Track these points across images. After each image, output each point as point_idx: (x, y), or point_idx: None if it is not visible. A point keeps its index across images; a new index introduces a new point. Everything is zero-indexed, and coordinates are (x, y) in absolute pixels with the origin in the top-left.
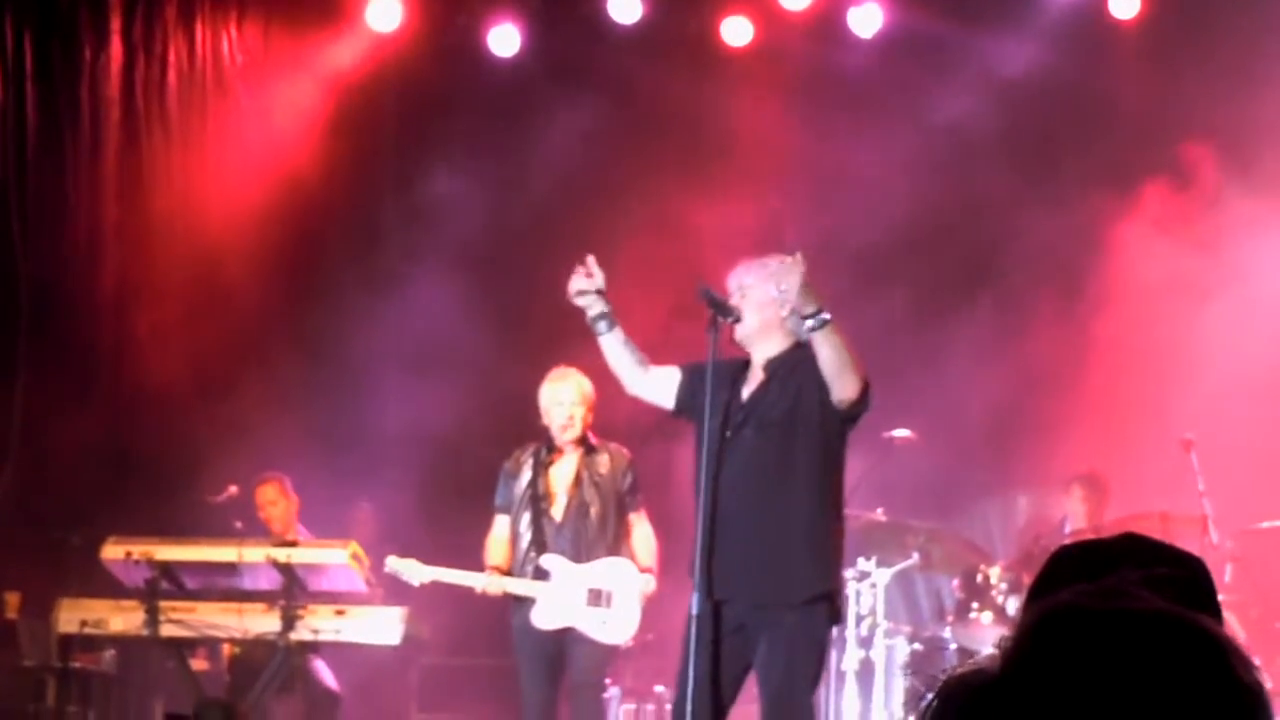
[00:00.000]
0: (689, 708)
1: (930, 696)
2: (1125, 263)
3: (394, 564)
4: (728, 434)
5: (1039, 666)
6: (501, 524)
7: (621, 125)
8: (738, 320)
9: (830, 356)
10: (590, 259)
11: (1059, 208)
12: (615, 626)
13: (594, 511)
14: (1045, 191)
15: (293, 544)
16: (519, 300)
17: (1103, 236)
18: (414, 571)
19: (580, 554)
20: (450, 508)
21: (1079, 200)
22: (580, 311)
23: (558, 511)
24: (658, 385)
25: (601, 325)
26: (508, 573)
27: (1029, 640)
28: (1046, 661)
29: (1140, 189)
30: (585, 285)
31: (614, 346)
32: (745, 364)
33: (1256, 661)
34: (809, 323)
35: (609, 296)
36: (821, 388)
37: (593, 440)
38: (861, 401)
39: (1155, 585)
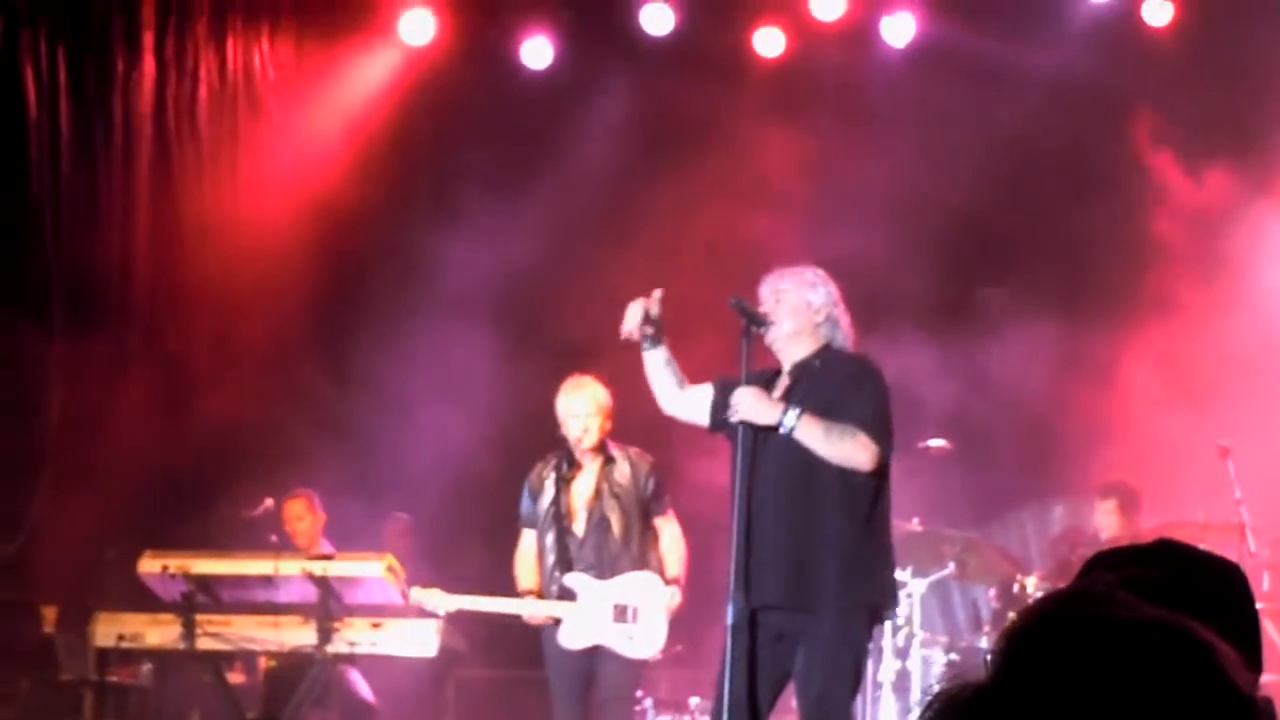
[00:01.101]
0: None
1: (920, 711)
2: (1159, 272)
3: (418, 595)
4: (761, 440)
5: (1021, 680)
6: (528, 539)
7: (654, 136)
8: (770, 328)
9: (821, 449)
10: (658, 293)
11: (1095, 216)
12: (642, 642)
13: (615, 525)
14: (1081, 200)
15: (329, 557)
16: (553, 315)
17: (1139, 244)
18: (438, 601)
19: (604, 569)
20: (482, 527)
21: (1115, 208)
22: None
23: (579, 528)
24: (693, 404)
25: (646, 342)
26: (540, 595)
27: (1010, 653)
28: (1030, 675)
29: (1177, 196)
30: (644, 314)
31: (656, 364)
32: (777, 373)
33: None
34: (782, 428)
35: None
36: (847, 388)
37: (612, 449)
38: (879, 465)
39: (1130, 586)
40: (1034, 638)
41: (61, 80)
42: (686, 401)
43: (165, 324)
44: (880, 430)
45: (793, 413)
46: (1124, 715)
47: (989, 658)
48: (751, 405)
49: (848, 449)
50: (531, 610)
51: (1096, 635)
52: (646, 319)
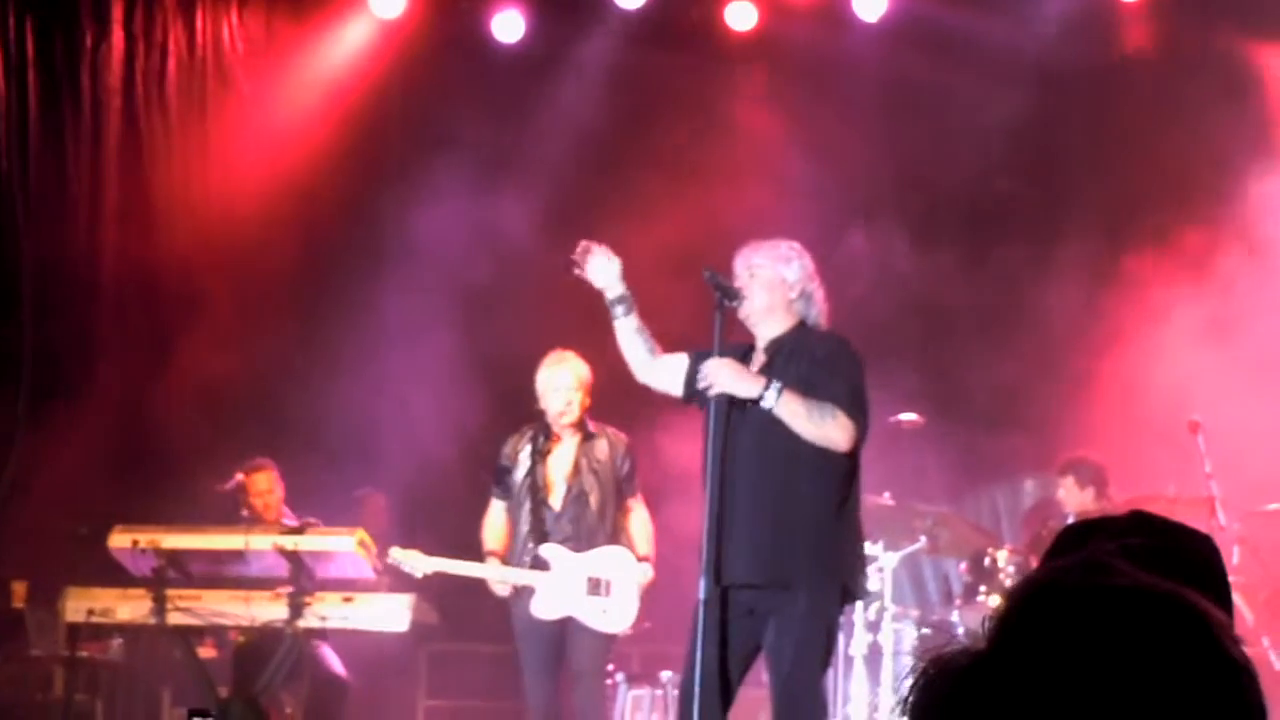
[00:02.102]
0: (696, 693)
1: (910, 680)
2: (1131, 246)
3: (397, 555)
4: (734, 416)
5: (1021, 647)
6: (497, 509)
7: (625, 110)
8: (743, 302)
9: (800, 426)
10: (601, 247)
11: (1066, 193)
12: (614, 616)
13: (593, 500)
14: (1050, 176)
15: (300, 531)
16: (523, 288)
17: (1110, 220)
18: (417, 562)
19: (580, 543)
20: (449, 503)
21: (1087, 185)
22: (591, 299)
23: (556, 500)
24: (667, 373)
25: (619, 309)
26: (505, 558)
27: (1009, 620)
28: (1028, 642)
29: (1149, 172)
30: (607, 267)
31: (628, 332)
32: (751, 347)
33: (1266, 642)
34: (763, 402)
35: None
36: (822, 367)
37: (590, 426)
38: (855, 445)
39: (1132, 555)
40: (1031, 605)
41: (29, 53)
42: (660, 371)
43: (134, 298)
44: (856, 410)
45: (774, 388)
46: (1119, 682)
47: (985, 624)
48: (731, 377)
49: (827, 428)
50: (506, 576)
51: (1093, 603)
52: (613, 272)
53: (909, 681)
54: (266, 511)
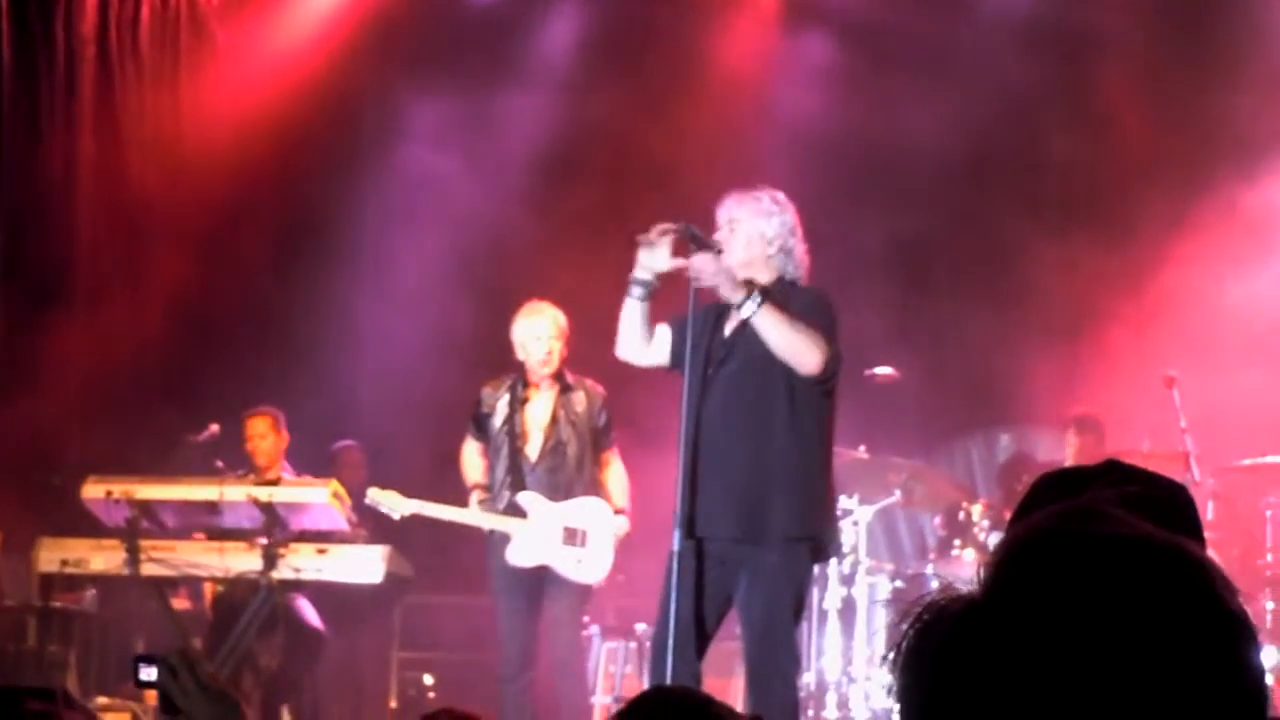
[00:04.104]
0: (670, 644)
1: (905, 627)
2: (1110, 198)
3: (375, 495)
4: (710, 372)
5: (1018, 594)
6: (472, 447)
7: (599, 62)
8: (720, 257)
9: (775, 340)
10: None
11: (1050, 145)
12: (590, 566)
13: (570, 451)
14: (1032, 128)
15: (274, 483)
16: (501, 237)
17: (1094, 174)
18: (395, 503)
19: (557, 493)
20: (429, 454)
21: (1072, 138)
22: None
23: (533, 450)
24: (654, 352)
25: (639, 291)
26: (486, 486)
27: (1007, 567)
28: (1025, 589)
29: (1141, 126)
30: (660, 254)
31: (636, 315)
32: (729, 305)
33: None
34: (743, 310)
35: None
36: (800, 316)
37: (569, 377)
38: (826, 372)
39: (1129, 503)
40: (1029, 552)
41: (2, 2)
42: (648, 352)
43: (109, 247)
44: (832, 344)
45: (755, 299)
46: (1115, 630)
47: (981, 571)
48: (714, 277)
49: (804, 339)
50: (484, 521)
51: (1091, 551)
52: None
53: (903, 629)
54: (259, 457)
